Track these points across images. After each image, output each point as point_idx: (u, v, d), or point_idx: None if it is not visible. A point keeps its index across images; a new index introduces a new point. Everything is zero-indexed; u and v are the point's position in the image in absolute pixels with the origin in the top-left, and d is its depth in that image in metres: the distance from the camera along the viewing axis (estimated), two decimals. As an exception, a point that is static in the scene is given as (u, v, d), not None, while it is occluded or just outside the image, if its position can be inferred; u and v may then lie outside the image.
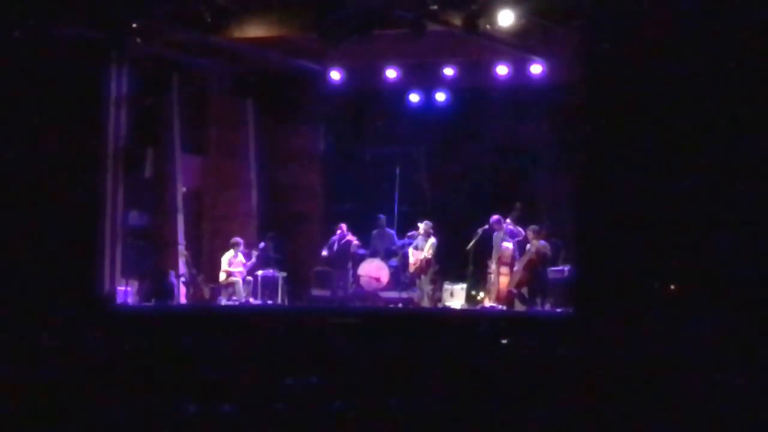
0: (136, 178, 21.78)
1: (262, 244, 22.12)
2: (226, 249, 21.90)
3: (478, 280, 20.81)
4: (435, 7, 18.70)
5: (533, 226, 20.02)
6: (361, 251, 22.03)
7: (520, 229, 20.21)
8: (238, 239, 21.96)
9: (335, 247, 21.82)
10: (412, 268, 21.17)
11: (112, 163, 21.10)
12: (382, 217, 22.24)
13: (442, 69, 21.92)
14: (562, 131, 20.81)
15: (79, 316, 17.96)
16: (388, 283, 21.53)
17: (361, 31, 19.08)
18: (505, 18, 18.55)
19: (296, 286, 22.30)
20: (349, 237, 21.82)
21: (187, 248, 22.22)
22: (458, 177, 22.83)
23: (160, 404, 10.15)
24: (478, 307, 20.47)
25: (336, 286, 21.85)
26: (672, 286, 17.53)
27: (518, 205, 20.41)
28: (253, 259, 21.77)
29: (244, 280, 21.68)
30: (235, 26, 20.06)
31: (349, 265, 21.82)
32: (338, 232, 21.92)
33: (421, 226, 21.24)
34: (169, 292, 21.55)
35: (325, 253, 21.90)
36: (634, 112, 17.66)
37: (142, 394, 10.47)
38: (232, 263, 21.70)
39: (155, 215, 22.57)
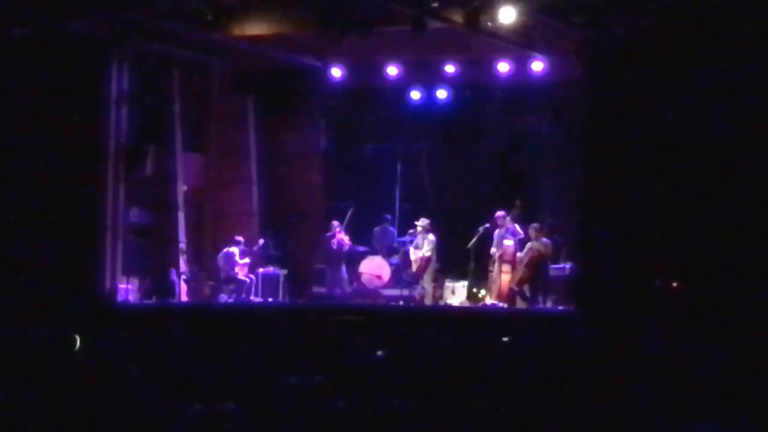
0: (137, 176, 21.76)
1: (261, 241, 22.10)
2: (227, 247, 21.88)
3: (479, 277, 20.78)
4: (436, 4, 18.69)
5: (535, 224, 19.99)
6: (361, 249, 22.01)
7: (519, 228, 20.16)
8: (240, 238, 21.96)
9: (331, 244, 21.79)
10: (414, 267, 21.15)
11: (113, 160, 21.10)
12: (389, 217, 22.22)
13: (444, 66, 21.88)
14: (564, 128, 20.80)
15: (80, 314, 17.95)
16: (390, 280, 21.52)
17: (362, 28, 19.07)
18: (507, 15, 18.53)
19: (297, 283, 22.28)
20: (341, 236, 21.75)
21: (187, 246, 22.22)
22: (459, 174, 22.80)
23: (162, 402, 10.14)
24: (480, 304, 20.44)
25: (330, 284, 21.82)
26: (674, 284, 17.52)
27: (518, 202, 20.37)
28: (248, 259, 21.73)
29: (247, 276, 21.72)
30: (237, 23, 20.06)
31: (342, 264, 21.78)
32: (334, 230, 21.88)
33: (419, 223, 21.23)
34: (170, 289, 21.56)
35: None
36: (636, 109, 17.64)
37: (145, 391, 10.46)
38: (237, 260, 21.70)
39: (156, 213, 22.56)
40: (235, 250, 21.76)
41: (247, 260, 21.73)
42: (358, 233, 22.14)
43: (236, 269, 21.67)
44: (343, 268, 21.78)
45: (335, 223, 21.85)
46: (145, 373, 11.16)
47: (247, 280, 21.67)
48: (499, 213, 20.30)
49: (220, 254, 21.87)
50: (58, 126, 20.14)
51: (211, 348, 13.33)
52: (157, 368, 11.56)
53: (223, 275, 21.84)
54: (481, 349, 13.62)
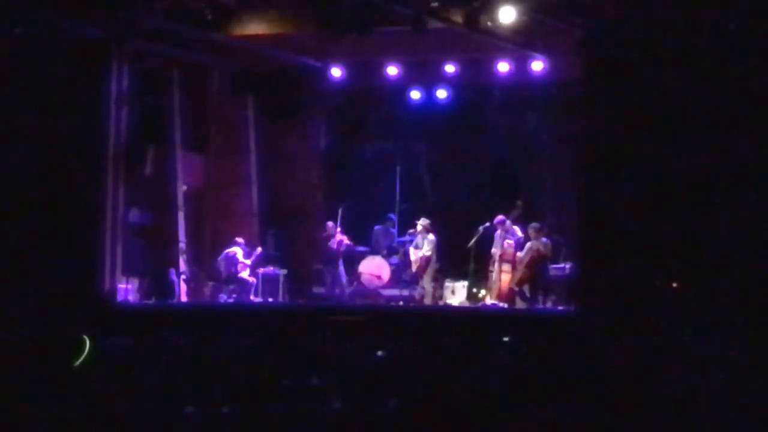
0: (136, 176, 21.75)
1: (259, 250, 21.95)
2: (227, 247, 21.86)
3: (479, 277, 20.77)
4: (436, 3, 18.70)
5: (534, 224, 19.98)
6: (361, 249, 22.00)
7: (519, 230, 20.13)
8: (240, 239, 21.93)
9: (333, 245, 21.75)
10: (414, 267, 21.15)
11: (113, 160, 21.09)
12: (393, 217, 22.21)
13: (443, 66, 21.89)
14: (564, 128, 20.79)
15: (79, 314, 17.93)
16: (389, 280, 21.51)
17: (362, 27, 19.07)
18: (507, 15, 18.54)
19: (297, 283, 22.27)
20: (340, 236, 21.72)
21: (187, 246, 22.21)
22: (459, 174, 22.81)
23: (159, 404, 10.13)
24: (480, 304, 20.44)
25: (329, 284, 21.81)
26: (674, 284, 17.51)
27: (519, 203, 20.36)
28: (251, 261, 21.70)
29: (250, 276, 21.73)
30: (236, 23, 20.07)
31: (340, 264, 21.74)
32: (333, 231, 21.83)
33: (419, 223, 21.23)
34: (170, 289, 21.54)
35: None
36: (635, 108, 17.64)
37: (141, 393, 10.44)
38: (241, 259, 21.69)
39: (156, 213, 22.54)
40: (237, 250, 21.72)
41: (248, 261, 21.69)
42: (358, 233, 22.13)
43: (239, 267, 21.62)
44: (341, 268, 21.75)
45: (330, 224, 21.81)
46: (143, 374, 11.15)
47: (251, 280, 21.65)
48: (499, 217, 20.27)
49: (221, 257, 21.80)
50: (58, 126, 20.12)
51: (210, 348, 13.30)
52: (157, 369, 11.55)
53: (224, 276, 21.81)
54: (481, 349, 13.60)
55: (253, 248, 22.01)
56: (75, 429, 9.65)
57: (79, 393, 10.37)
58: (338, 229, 21.69)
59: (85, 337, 11.45)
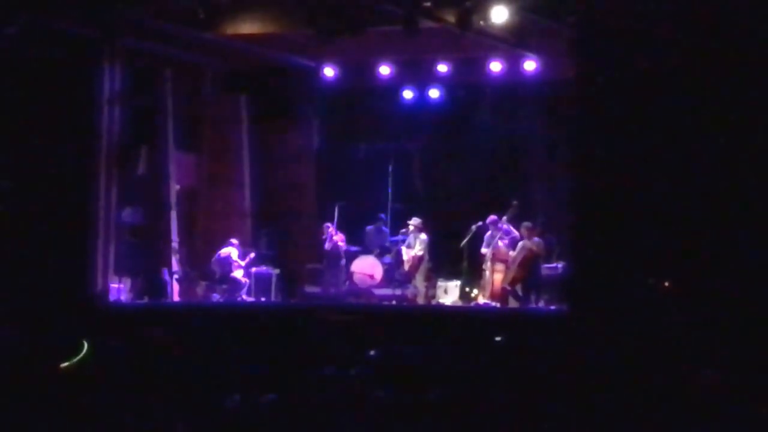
0: (129, 176, 21.73)
1: (252, 255, 21.93)
2: (220, 247, 21.86)
3: (472, 277, 20.78)
4: (428, 3, 18.70)
5: (526, 223, 20.00)
6: (354, 248, 21.99)
7: (514, 229, 20.17)
8: (234, 240, 21.92)
9: (326, 246, 21.74)
10: (406, 266, 21.16)
11: (106, 160, 21.08)
12: (384, 216, 22.22)
13: (436, 66, 21.91)
14: (556, 128, 20.79)
15: (72, 314, 17.91)
16: (382, 280, 21.51)
17: (354, 27, 19.07)
18: (499, 14, 18.56)
19: (289, 283, 22.26)
20: (335, 237, 21.71)
21: (180, 246, 22.19)
22: (452, 173, 22.81)
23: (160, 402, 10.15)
24: (472, 304, 20.45)
25: (328, 284, 21.79)
26: (666, 283, 17.52)
27: (515, 203, 20.35)
28: (246, 260, 21.70)
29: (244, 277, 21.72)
30: (229, 23, 20.06)
31: (342, 263, 21.74)
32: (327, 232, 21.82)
33: (411, 223, 21.24)
34: (162, 289, 21.52)
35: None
36: (629, 108, 17.64)
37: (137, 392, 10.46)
38: (236, 260, 21.68)
39: (148, 213, 22.52)
40: (232, 250, 21.70)
41: (242, 262, 21.68)
42: (351, 233, 22.13)
43: (233, 266, 21.60)
44: (342, 268, 21.72)
45: (327, 225, 21.82)
46: (136, 374, 11.16)
47: (244, 281, 21.64)
48: (491, 217, 20.29)
49: (215, 258, 21.78)
50: (50, 126, 20.09)
51: (203, 348, 13.32)
52: (150, 368, 11.56)
53: (218, 276, 21.79)
54: (474, 348, 13.62)
55: (247, 249, 22.00)
56: (70, 428, 9.66)
57: (72, 392, 10.37)
58: (332, 230, 21.68)
59: (84, 340, 11.47)
